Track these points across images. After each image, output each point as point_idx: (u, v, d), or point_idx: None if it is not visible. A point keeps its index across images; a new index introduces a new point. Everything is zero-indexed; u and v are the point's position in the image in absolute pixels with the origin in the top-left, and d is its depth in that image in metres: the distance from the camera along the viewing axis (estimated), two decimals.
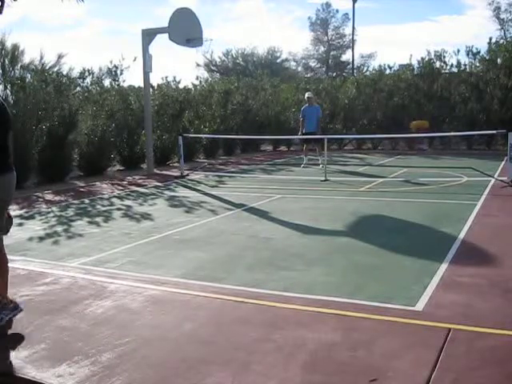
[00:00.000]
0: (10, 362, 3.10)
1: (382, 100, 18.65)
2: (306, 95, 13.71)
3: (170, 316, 3.73)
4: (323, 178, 10.65)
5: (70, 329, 3.54)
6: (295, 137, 14.50)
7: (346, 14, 45.44)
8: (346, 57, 45.74)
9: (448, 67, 18.21)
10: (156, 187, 10.65)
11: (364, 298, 3.93)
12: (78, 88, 13.89)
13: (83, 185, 11.30)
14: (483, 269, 4.59)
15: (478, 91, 17.04)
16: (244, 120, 19.03)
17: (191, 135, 14.70)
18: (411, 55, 20.25)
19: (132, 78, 37.47)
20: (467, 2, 65.98)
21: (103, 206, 8.56)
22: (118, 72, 14.48)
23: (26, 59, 12.01)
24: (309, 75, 36.38)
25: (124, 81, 14.96)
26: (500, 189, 8.89)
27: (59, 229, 6.82)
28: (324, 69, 46.26)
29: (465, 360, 2.92)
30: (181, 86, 17.78)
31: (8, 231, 3.82)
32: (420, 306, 3.75)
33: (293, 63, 47.23)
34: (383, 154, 16.84)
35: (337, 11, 48.75)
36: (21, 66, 11.80)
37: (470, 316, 3.52)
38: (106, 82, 14.64)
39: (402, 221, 6.75)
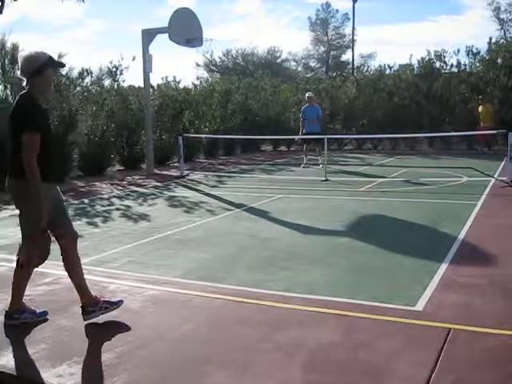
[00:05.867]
0: (11, 362, 3.10)
1: (382, 100, 18.65)
2: (307, 95, 13.70)
3: (170, 316, 3.73)
4: (323, 178, 10.65)
5: (69, 329, 3.55)
6: (295, 136, 14.49)
7: (346, 14, 45.50)
8: (346, 57, 45.83)
9: (448, 67, 18.22)
10: (156, 187, 10.64)
11: (364, 298, 3.93)
12: (78, 88, 13.86)
13: (83, 185, 11.29)
14: (483, 269, 4.59)
15: (478, 91, 17.04)
16: (244, 120, 19.02)
17: (191, 135, 14.69)
18: (411, 55, 20.15)
19: (132, 78, 37.45)
20: (466, 2, 66.13)
21: (103, 206, 8.56)
22: (118, 72, 14.48)
23: None
24: (309, 75, 36.35)
25: (124, 81, 14.99)
26: (500, 189, 8.89)
27: None
28: (324, 69, 46.23)
29: (465, 360, 2.92)
30: (181, 85, 17.82)
31: None
32: (420, 306, 3.74)
33: (293, 63, 47.31)
34: (383, 153, 16.83)
35: (337, 11, 48.65)
36: None
37: (470, 316, 3.52)
38: (106, 82, 14.65)
39: (402, 221, 6.75)
